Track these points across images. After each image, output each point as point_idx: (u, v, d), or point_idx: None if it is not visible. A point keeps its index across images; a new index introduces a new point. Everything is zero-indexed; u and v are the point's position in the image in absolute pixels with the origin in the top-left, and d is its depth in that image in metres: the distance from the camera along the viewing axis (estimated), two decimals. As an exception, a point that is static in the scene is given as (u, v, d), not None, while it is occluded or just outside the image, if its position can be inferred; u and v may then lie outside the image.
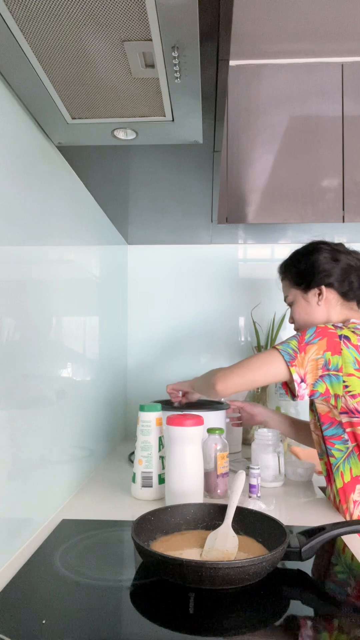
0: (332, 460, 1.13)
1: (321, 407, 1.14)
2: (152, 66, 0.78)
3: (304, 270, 1.26)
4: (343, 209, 1.63)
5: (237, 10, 1.56)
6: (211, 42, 0.73)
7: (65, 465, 1.16)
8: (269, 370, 1.13)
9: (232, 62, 1.71)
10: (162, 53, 0.74)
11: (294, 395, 1.13)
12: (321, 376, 1.08)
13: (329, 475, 1.16)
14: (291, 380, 1.11)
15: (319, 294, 1.24)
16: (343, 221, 1.62)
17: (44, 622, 0.64)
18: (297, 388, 1.09)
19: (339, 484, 1.12)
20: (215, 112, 0.94)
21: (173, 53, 0.74)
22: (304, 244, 1.31)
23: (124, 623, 0.65)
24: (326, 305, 1.24)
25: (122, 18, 0.68)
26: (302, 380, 1.09)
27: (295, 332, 1.32)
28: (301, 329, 1.28)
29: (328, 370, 1.08)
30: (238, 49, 1.74)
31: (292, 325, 1.34)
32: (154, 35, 0.71)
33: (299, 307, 1.28)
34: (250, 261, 2.09)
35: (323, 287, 1.23)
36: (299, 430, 1.41)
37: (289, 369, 1.10)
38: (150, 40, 0.72)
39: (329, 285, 1.23)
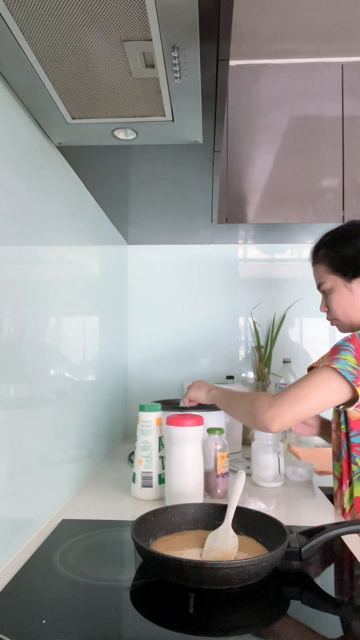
0: (354, 467, 1.10)
1: (353, 414, 1.09)
2: (152, 66, 0.78)
3: (350, 256, 1.15)
4: (343, 209, 1.63)
5: (237, 10, 1.56)
6: (211, 42, 0.73)
7: (65, 465, 1.16)
8: (328, 391, 1.04)
9: (232, 62, 1.71)
10: (162, 53, 0.74)
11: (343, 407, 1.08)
12: None
13: (343, 479, 1.13)
14: (355, 399, 1.05)
15: None
16: (343, 221, 1.62)
17: (44, 622, 0.64)
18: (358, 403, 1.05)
19: (357, 492, 1.09)
20: (215, 112, 0.94)
21: (173, 53, 0.74)
22: (341, 225, 1.22)
23: (124, 623, 0.65)
24: None
25: (122, 18, 0.68)
26: None
27: (329, 322, 1.24)
28: (338, 319, 1.20)
29: None
30: (238, 49, 1.74)
31: (325, 315, 1.24)
32: (154, 35, 0.71)
33: (339, 295, 1.17)
34: (250, 261, 2.09)
35: None
36: (310, 425, 1.36)
37: (354, 388, 1.03)
38: (150, 40, 0.72)
39: None
